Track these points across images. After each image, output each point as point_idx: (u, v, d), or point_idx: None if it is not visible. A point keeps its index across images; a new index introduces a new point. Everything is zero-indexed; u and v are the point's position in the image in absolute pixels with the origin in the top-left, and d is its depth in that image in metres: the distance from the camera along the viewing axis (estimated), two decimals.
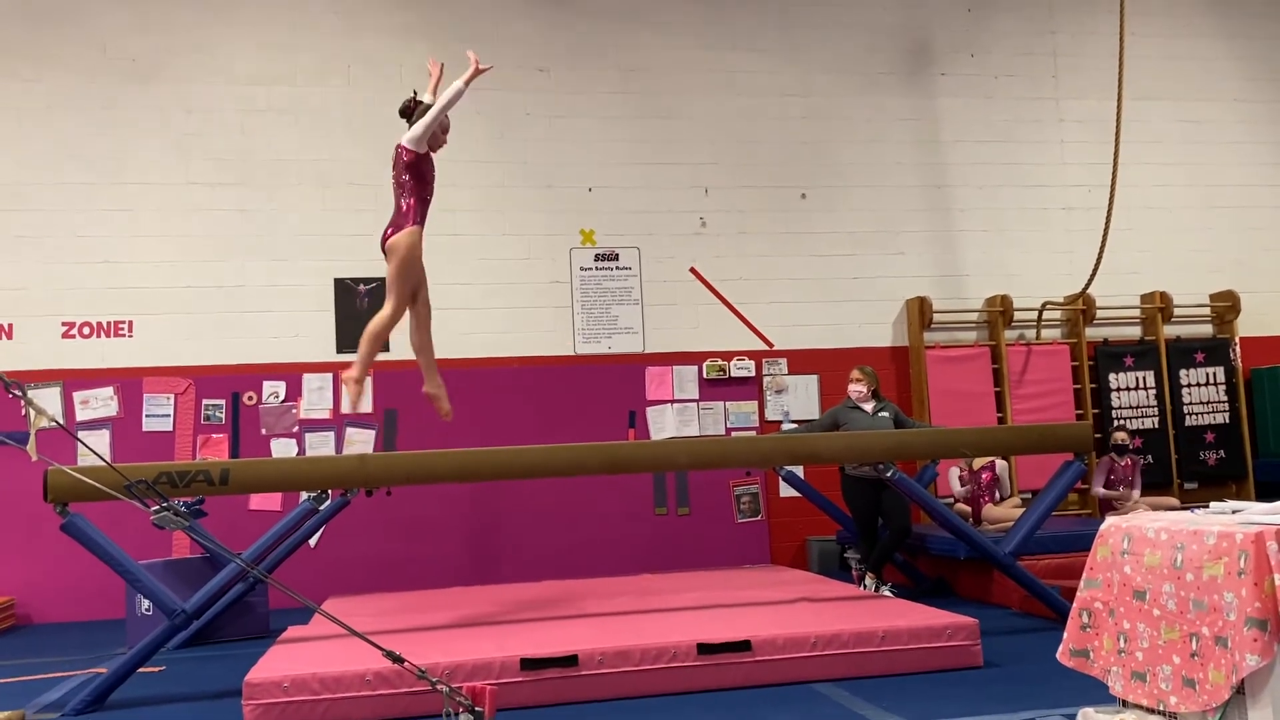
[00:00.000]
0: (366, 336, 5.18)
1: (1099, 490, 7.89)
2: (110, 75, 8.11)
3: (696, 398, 8.57)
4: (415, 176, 5.09)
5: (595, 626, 4.95)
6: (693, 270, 8.76)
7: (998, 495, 7.54)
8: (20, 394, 2.65)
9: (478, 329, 8.32)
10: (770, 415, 8.67)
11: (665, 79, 8.84)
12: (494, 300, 8.40)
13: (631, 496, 8.28)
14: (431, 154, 5.17)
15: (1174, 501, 7.82)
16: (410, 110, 5.22)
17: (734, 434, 8.46)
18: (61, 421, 3.81)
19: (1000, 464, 7.61)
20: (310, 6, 8.43)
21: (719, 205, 8.82)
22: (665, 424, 8.50)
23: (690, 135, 8.83)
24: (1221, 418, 9.20)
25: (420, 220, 5.11)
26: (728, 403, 8.61)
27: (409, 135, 5.06)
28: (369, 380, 8.07)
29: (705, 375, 8.58)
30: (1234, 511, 3.05)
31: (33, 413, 2.75)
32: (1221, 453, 9.17)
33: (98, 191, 7.99)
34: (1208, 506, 3.20)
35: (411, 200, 5.08)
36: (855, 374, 6.88)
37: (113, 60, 8.13)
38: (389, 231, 5.12)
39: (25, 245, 7.74)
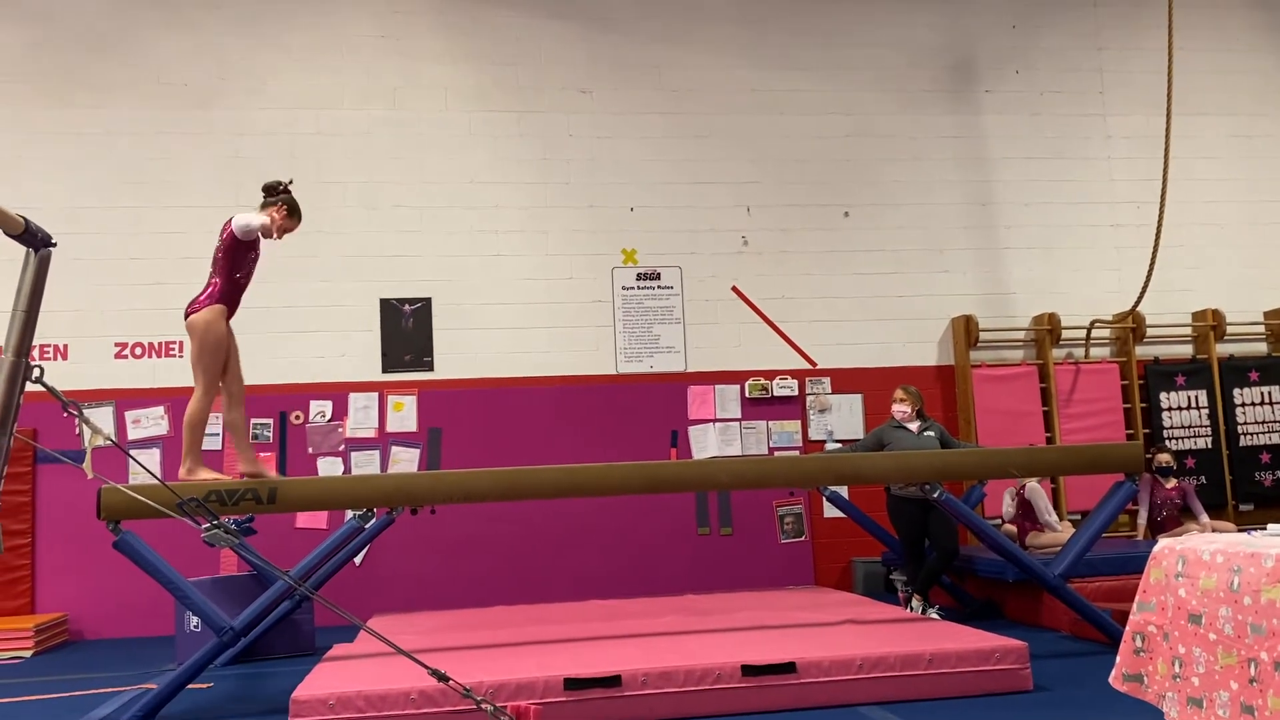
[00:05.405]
0: (187, 427, 5.01)
1: (1142, 520, 7.58)
2: (164, 101, 8.29)
3: (739, 417, 8.54)
4: (230, 259, 5.02)
5: (639, 647, 4.94)
6: (735, 289, 8.75)
7: (1037, 519, 7.20)
8: (77, 413, 2.70)
9: (520, 348, 8.36)
10: (814, 435, 8.61)
11: (707, 99, 8.86)
12: (536, 320, 8.45)
13: (674, 516, 8.25)
14: (259, 243, 5.11)
15: (1230, 527, 7.57)
16: (272, 189, 5.14)
17: (777, 453, 8.42)
18: (116, 440, 3.88)
19: (1031, 486, 7.16)
20: (357, 32, 8.57)
21: (761, 224, 8.81)
22: (707, 443, 8.47)
23: (732, 154, 8.84)
24: (1277, 437, 8.99)
25: (224, 300, 4.99)
26: (770, 422, 8.56)
27: (240, 222, 4.95)
28: (412, 399, 8.16)
29: (748, 394, 8.55)
30: None
31: (88, 432, 2.80)
32: (1277, 473, 8.96)
33: (150, 214, 8.16)
34: (1265, 528, 3.13)
35: (219, 280, 5.01)
36: (899, 393, 6.82)
37: (166, 87, 8.31)
38: (191, 308, 4.99)
39: (80, 268, 7.88)
